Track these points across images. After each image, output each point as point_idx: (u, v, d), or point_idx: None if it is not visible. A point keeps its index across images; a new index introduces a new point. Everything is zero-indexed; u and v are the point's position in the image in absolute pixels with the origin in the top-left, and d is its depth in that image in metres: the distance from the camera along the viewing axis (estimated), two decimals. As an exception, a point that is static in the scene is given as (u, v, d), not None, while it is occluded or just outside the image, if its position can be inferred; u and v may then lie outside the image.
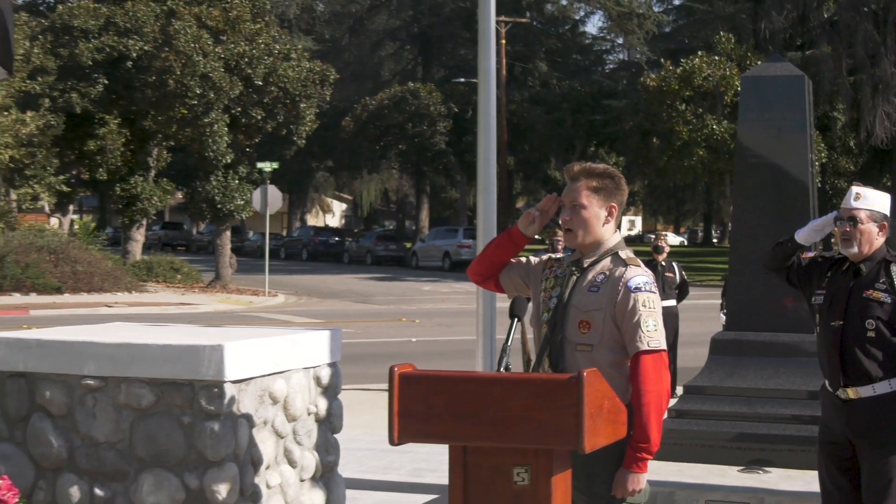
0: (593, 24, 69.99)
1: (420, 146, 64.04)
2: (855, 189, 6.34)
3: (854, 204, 6.28)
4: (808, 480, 7.96)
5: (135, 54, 40.46)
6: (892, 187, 47.51)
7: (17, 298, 33.52)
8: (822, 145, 45.31)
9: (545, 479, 4.51)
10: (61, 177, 40.42)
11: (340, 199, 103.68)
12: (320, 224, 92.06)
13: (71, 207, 56.48)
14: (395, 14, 75.43)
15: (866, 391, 6.25)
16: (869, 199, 6.28)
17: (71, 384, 5.74)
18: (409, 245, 64.18)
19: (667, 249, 16.94)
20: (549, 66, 68.58)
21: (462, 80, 60.47)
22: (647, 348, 4.93)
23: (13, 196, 40.08)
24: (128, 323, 7.22)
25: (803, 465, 8.22)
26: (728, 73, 46.03)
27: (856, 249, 6.29)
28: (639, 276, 5.03)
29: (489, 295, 8.74)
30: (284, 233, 78.18)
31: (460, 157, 63.97)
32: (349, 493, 6.69)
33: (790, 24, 54.52)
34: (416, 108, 62.49)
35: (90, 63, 40.17)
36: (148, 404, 5.61)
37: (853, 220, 6.26)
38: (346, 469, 6.62)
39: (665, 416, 5.23)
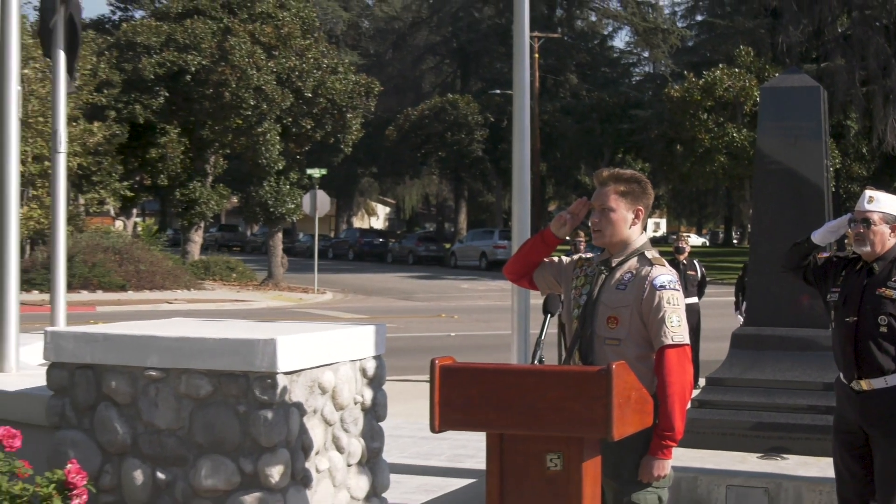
0: (620, 39, 70.05)
1: (458, 153, 64.03)
2: (868, 193, 6.33)
3: (867, 207, 6.26)
4: (823, 467, 7.92)
5: (193, 68, 40.62)
6: (902, 191, 47.14)
7: (84, 296, 33.73)
8: (837, 152, 45.10)
9: (576, 465, 4.51)
10: (125, 183, 40.61)
11: (384, 203, 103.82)
12: (365, 226, 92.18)
13: (134, 211, 56.71)
14: (435, 30, 75.39)
15: (878, 383, 6.23)
16: (881, 202, 6.26)
17: (135, 375, 5.76)
18: (448, 246, 64.16)
19: (687, 249, 16.99)
20: (580, 78, 68.39)
21: (498, 91, 60.39)
22: (672, 343, 4.93)
23: (81, 201, 40.30)
24: (187, 318, 7.24)
25: (819, 452, 8.17)
26: (747, 84, 45.86)
27: (869, 249, 6.27)
28: (664, 274, 5.03)
29: (523, 292, 8.74)
30: (332, 234, 78.25)
31: (496, 164, 63.91)
32: (393, 477, 6.69)
33: (806, 38, 54.31)
34: (455, 118, 62.50)
35: (152, 77, 40.37)
36: (206, 394, 5.62)
37: (867, 221, 6.24)
38: (389, 455, 6.62)
39: (688, 406, 5.20)
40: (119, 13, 48.56)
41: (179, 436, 5.69)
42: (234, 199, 50.90)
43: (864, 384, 6.26)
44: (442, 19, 74.41)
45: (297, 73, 41.69)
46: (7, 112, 7.20)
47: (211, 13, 42.29)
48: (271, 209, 42.93)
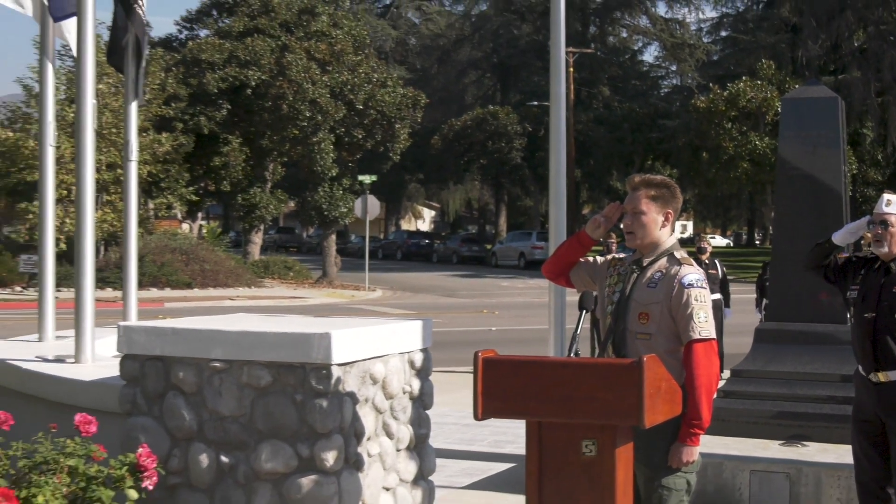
0: (650, 54, 69.80)
1: (498, 161, 64.05)
2: (886, 196, 6.31)
3: (885, 209, 6.24)
4: (841, 454, 7.89)
5: (253, 83, 40.87)
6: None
7: (153, 293, 33.98)
8: (853, 158, 44.71)
9: (610, 451, 4.50)
10: (191, 188, 40.89)
11: (430, 207, 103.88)
12: (412, 228, 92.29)
13: (199, 215, 56.99)
14: (477, 47, 75.37)
15: (895, 375, 6.20)
16: None
17: (200, 366, 5.79)
18: (489, 247, 64.16)
19: (709, 250, 17.10)
20: (611, 90, 68.23)
21: (535, 103, 60.31)
22: (699, 337, 4.92)
23: (151, 205, 40.63)
24: (248, 314, 7.27)
25: (837, 440, 8.14)
26: (769, 95, 45.71)
27: (886, 249, 6.25)
28: (692, 273, 5.02)
29: (560, 290, 8.72)
30: (382, 236, 78.43)
31: (533, 170, 63.83)
32: (438, 461, 6.69)
33: (824, 53, 54.18)
34: (496, 128, 62.54)
35: (216, 91, 40.66)
36: (266, 384, 5.64)
37: (884, 223, 6.23)
38: (435, 440, 6.62)
39: (714, 396, 5.18)
40: (185, 32, 48.92)
41: (241, 422, 5.71)
42: (291, 204, 51.22)
43: (882, 376, 6.24)
44: (483, 36, 74.40)
45: (349, 86, 41.87)
46: (84, 124, 7.26)
47: (270, 32, 42.53)
48: (325, 213, 43.12)
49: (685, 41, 71.61)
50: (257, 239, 46.84)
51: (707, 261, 16.43)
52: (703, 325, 4.93)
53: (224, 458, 5.74)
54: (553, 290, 8.84)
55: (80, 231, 7.28)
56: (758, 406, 8.71)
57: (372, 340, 5.85)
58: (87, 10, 7.38)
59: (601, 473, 4.51)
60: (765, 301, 14.31)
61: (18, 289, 35.33)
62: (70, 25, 8.47)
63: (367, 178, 42.48)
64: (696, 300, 4.94)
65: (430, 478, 6.47)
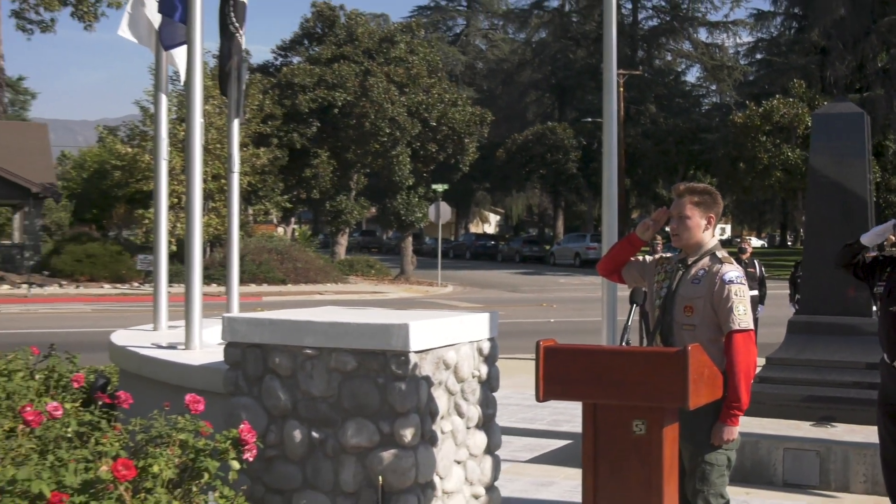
0: (692, 75, 69.21)
1: (556, 171, 63.85)
2: None
3: None
4: (867, 434, 7.79)
5: (340, 103, 41.15)
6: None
7: (252, 288, 34.29)
8: (877, 168, 44.15)
9: (658, 429, 4.48)
10: (285, 196, 41.27)
11: (495, 212, 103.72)
12: (479, 231, 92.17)
13: (292, 219, 57.45)
14: (537, 69, 75.16)
15: None
16: None
17: (294, 353, 5.82)
18: (547, 247, 64.03)
19: (749, 250, 16.86)
20: (657, 108, 67.65)
21: (589, 119, 60.04)
22: (739, 328, 4.89)
23: (250, 211, 41.01)
24: (335, 307, 7.30)
25: (863, 421, 8.05)
26: (800, 111, 45.42)
27: None
28: (732, 271, 4.99)
29: (612, 285, 8.68)
30: (452, 238, 78.47)
31: (588, 180, 63.54)
32: (503, 438, 6.68)
33: (850, 72, 53.77)
34: (554, 142, 62.39)
35: (306, 110, 41.02)
36: (351, 368, 5.67)
37: None
38: (500, 419, 6.61)
39: (752, 381, 5.14)
40: (280, 59, 49.31)
41: (330, 402, 5.74)
42: (373, 210, 51.35)
43: None
44: (543, 60, 74.21)
45: (424, 106, 42.03)
46: (192, 140, 7.35)
47: (354, 58, 42.82)
48: (403, 217, 43.32)
49: (724, 63, 70.91)
50: (343, 241, 47.14)
51: (747, 260, 16.23)
52: (742, 317, 4.90)
53: (315, 434, 5.77)
54: (606, 286, 8.80)
55: (189, 234, 7.37)
56: (791, 391, 8.62)
57: (445, 330, 5.85)
58: (194, 40, 7.48)
59: (650, 450, 4.48)
60: (797, 296, 14.14)
61: (136, 284, 35.90)
62: (180, 54, 8.59)
63: (439, 187, 42.64)
64: (736, 295, 4.91)
65: (497, 452, 6.46)
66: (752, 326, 4.95)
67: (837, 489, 7.76)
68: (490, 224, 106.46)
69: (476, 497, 6.26)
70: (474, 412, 6.18)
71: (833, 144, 9.06)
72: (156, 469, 5.13)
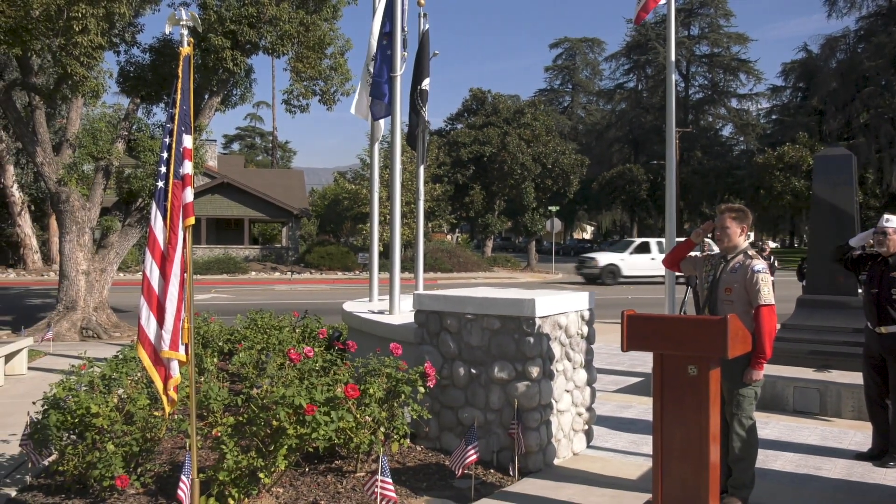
0: (726, 131, 66.41)
1: (632, 197, 62.53)
2: (885, 215, 6.05)
3: (884, 224, 5.98)
4: (854, 377, 7.45)
5: (487, 154, 41.24)
6: (902, 215, 44.56)
7: (430, 275, 34.71)
8: (861, 193, 42.02)
9: (706, 372, 4.32)
10: (452, 216, 41.57)
11: (590, 224, 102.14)
12: (579, 237, 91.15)
13: (457, 230, 57.94)
14: (619, 129, 73.61)
15: (892, 329, 5.88)
16: (893, 221, 5.97)
17: (460, 317, 5.87)
18: (626, 248, 62.85)
19: (768, 249, 16.17)
20: (702, 153, 65.31)
21: (655, 162, 58.70)
22: (764, 303, 4.71)
23: (429, 225, 41.53)
24: (485, 287, 7.32)
25: (852, 368, 7.69)
26: (804, 154, 44.15)
27: (885, 249, 5.95)
28: (759, 263, 4.81)
29: (672, 274, 8.46)
30: (561, 242, 77.79)
31: (654, 203, 61.99)
32: (598, 375, 6.57)
33: (840, 127, 52.14)
34: (630, 178, 61.13)
35: (466, 159, 41.25)
36: (497, 328, 5.67)
37: (884, 232, 5.96)
38: (595, 363, 6.51)
39: (773, 340, 4.94)
40: (449, 126, 49.71)
41: (483, 350, 5.76)
42: (509, 223, 51.34)
43: (884, 329, 5.92)
44: (623, 123, 72.71)
45: (543, 154, 41.77)
46: (394, 179, 7.48)
47: (497, 124, 42.83)
48: (529, 228, 43.09)
49: (749, 122, 68.12)
50: (489, 244, 47.20)
51: (766, 256, 15.56)
52: (767, 296, 4.73)
53: (473, 370, 5.80)
54: (668, 274, 8.58)
55: (392, 239, 7.50)
56: (799, 346, 8.23)
57: (558, 303, 5.79)
58: (396, 114, 7.62)
59: (700, 386, 4.34)
60: (804, 281, 13.44)
61: (357, 273, 36.76)
62: (385, 123, 8.74)
63: (553, 208, 42.36)
64: (762, 280, 4.75)
65: (593, 385, 6.36)
66: (773, 302, 4.75)
67: (832, 416, 7.39)
68: (587, 232, 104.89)
69: (580, 415, 6.17)
70: (578, 357, 6.10)
71: (830, 177, 8.63)
72: (371, 391, 5.24)
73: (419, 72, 8.30)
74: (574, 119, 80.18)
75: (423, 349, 6.03)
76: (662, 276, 30.53)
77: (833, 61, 55.85)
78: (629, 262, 30.41)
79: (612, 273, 30.17)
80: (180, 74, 4.34)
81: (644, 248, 30.93)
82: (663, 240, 30.69)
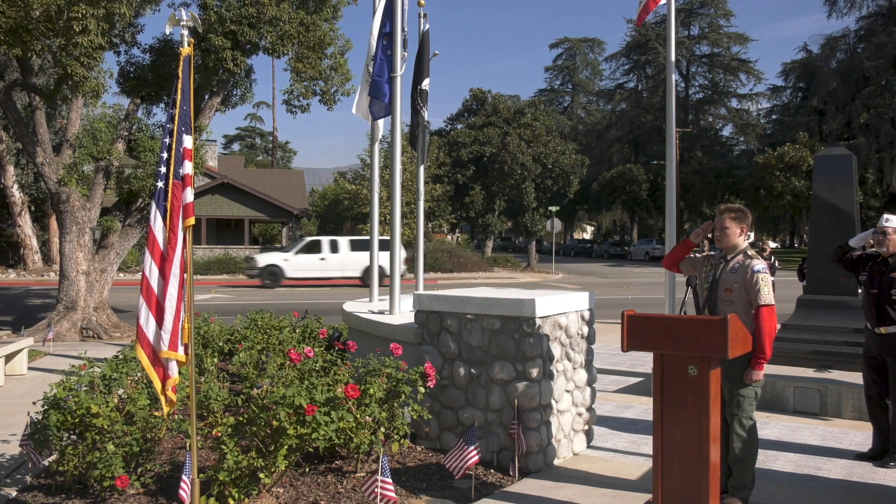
0: (727, 131, 66.07)
1: (632, 197, 62.41)
2: (885, 215, 6.03)
3: (884, 224, 5.96)
4: (854, 378, 7.44)
5: (487, 154, 41.24)
6: (902, 215, 44.54)
7: (430, 275, 34.61)
8: (860, 193, 42.05)
9: (706, 372, 4.32)
10: (452, 216, 41.56)
11: (590, 224, 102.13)
12: (579, 237, 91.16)
13: (456, 231, 57.94)
14: (619, 129, 73.53)
15: (891, 329, 5.87)
16: (892, 221, 5.96)
17: (460, 317, 5.86)
18: (626, 248, 62.95)
19: (768, 249, 16.18)
20: (702, 153, 65.24)
21: (655, 162, 58.68)
22: (764, 303, 4.70)
23: (429, 225, 41.54)
24: (485, 287, 7.31)
25: (852, 369, 7.69)
26: (804, 154, 44.05)
27: (885, 249, 5.94)
28: (759, 263, 4.80)
29: (672, 274, 8.45)
30: (561, 242, 77.78)
31: (654, 203, 61.92)
32: (598, 375, 6.57)
33: (840, 127, 52.11)
34: (631, 178, 60.98)
35: (466, 159, 41.24)
36: (497, 328, 5.66)
37: (884, 232, 5.94)
38: (595, 363, 6.50)
39: (773, 339, 4.94)
40: (449, 126, 49.71)
41: (483, 350, 5.75)
42: (509, 223, 51.36)
43: (883, 329, 5.91)
44: (623, 123, 72.64)
45: (543, 154, 41.73)
46: (394, 179, 7.47)
47: (497, 124, 42.84)
48: (529, 228, 43.06)
49: (749, 122, 68.05)
50: (489, 244, 47.19)
51: (766, 256, 15.57)
52: (766, 296, 4.72)
53: (473, 370, 5.79)
54: (668, 275, 8.57)
55: (392, 239, 7.49)
56: (799, 346, 8.21)
57: (559, 303, 5.79)
58: (396, 114, 7.62)
59: (700, 386, 4.33)
60: (804, 281, 13.43)
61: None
62: (386, 123, 8.74)
63: (553, 208, 42.33)
64: (762, 280, 4.74)
65: (593, 385, 6.36)
66: (773, 302, 4.74)
67: (832, 416, 7.38)
68: (587, 232, 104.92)
69: (580, 415, 6.17)
70: (578, 358, 6.10)
71: (830, 177, 8.61)
72: (371, 391, 5.23)
73: (419, 72, 8.30)
74: (574, 119, 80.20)
75: (423, 349, 6.02)
76: (334, 279, 28.61)
77: (833, 61, 55.81)
78: (294, 263, 28.33)
79: (274, 274, 28.06)
80: (180, 75, 4.34)
81: (313, 248, 28.88)
82: (338, 238, 29.15)
